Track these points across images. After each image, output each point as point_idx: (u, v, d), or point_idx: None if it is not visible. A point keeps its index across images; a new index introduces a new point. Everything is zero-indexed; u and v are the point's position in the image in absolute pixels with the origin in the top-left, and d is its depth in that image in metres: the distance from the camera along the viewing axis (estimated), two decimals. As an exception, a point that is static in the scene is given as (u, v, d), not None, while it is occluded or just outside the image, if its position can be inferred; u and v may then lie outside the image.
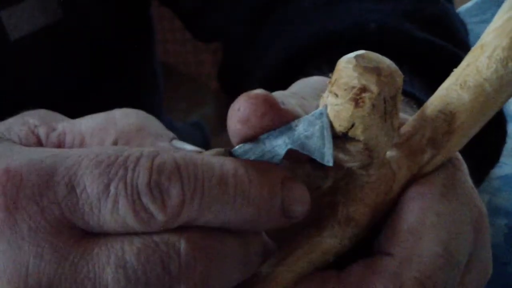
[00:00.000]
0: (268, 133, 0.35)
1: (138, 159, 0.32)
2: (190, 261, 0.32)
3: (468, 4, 0.91)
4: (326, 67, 0.36)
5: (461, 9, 0.91)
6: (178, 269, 0.32)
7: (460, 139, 0.38)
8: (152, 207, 0.32)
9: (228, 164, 0.34)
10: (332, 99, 0.35)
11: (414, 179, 0.38)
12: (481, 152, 0.59)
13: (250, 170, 0.34)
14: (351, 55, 0.34)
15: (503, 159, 0.73)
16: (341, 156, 0.36)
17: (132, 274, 0.31)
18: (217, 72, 0.77)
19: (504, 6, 0.36)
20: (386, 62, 0.34)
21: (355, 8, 0.60)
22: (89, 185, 0.32)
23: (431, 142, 0.37)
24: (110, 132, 0.36)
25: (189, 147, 0.36)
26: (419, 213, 0.36)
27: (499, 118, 0.60)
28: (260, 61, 0.64)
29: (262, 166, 0.34)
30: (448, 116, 0.37)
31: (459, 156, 0.39)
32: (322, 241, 0.37)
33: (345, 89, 0.34)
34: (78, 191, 0.32)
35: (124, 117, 0.36)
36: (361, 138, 0.35)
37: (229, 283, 0.33)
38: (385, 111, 0.34)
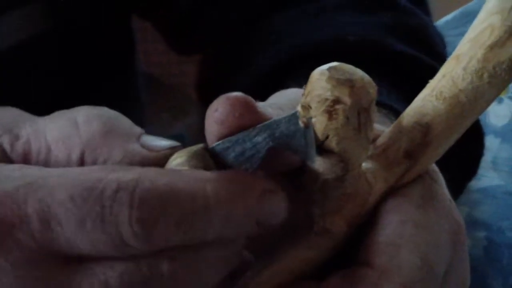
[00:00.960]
0: (247, 130, 0.35)
1: (115, 193, 0.31)
2: (173, 279, 0.32)
3: (448, 17, 0.92)
4: (304, 80, 0.36)
5: (440, 22, 0.92)
6: None
7: (437, 150, 0.38)
8: (134, 243, 0.31)
9: (209, 186, 0.33)
10: (305, 111, 0.35)
11: (391, 190, 0.38)
12: (459, 165, 0.60)
13: (231, 188, 0.33)
14: (324, 67, 0.34)
15: (482, 171, 0.73)
16: (316, 167, 0.36)
17: None
18: (196, 83, 0.77)
19: (479, 17, 0.36)
20: (359, 73, 0.34)
21: (335, 20, 0.60)
22: (64, 220, 0.31)
23: (408, 154, 0.37)
24: (75, 142, 0.35)
25: (161, 142, 0.36)
26: (397, 225, 0.36)
27: (477, 130, 0.60)
28: (241, 73, 0.64)
29: (242, 179, 0.34)
30: (424, 128, 0.37)
31: (436, 168, 0.39)
32: (299, 254, 0.36)
33: (319, 101, 0.34)
34: (52, 225, 0.31)
35: (87, 123, 0.35)
36: (336, 150, 0.35)
37: (209, 285, 0.34)
38: (359, 122, 0.34)
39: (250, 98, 0.35)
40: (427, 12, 0.65)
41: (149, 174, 0.32)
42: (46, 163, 0.35)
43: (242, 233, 0.34)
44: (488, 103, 0.37)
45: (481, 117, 0.61)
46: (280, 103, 0.39)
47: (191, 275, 0.32)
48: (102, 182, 0.31)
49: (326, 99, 0.34)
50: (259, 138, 0.35)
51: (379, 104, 0.49)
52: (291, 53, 0.58)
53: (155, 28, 0.74)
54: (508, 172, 0.74)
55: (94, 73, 0.69)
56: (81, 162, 0.35)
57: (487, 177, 0.73)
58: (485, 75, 0.36)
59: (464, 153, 0.59)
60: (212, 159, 0.35)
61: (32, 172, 0.33)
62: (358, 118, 0.34)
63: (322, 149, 0.35)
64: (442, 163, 0.39)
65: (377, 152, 0.38)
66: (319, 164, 0.36)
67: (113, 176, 0.31)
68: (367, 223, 0.37)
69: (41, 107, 0.41)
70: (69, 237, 0.31)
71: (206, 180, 0.33)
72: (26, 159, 0.35)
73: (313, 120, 0.34)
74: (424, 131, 0.37)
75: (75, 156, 0.35)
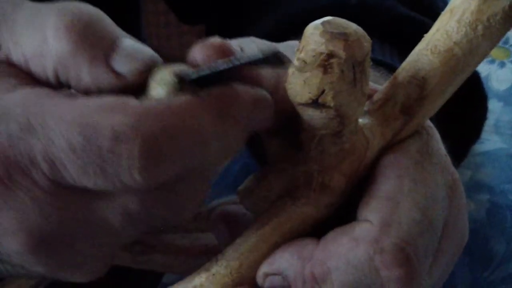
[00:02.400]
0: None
1: (114, 144, 0.32)
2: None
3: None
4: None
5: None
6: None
7: (433, 104, 0.38)
8: (137, 186, 0.33)
9: (204, 119, 0.33)
10: (301, 66, 0.35)
11: (389, 146, 0.38)
12: (464, 128, 0.60)
13: (223, 113, 0.34)
14: (318, 21, 0.34)
15: (485, 135, 0.73)
16: (312, 123, 0.36)
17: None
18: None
19: (472, -30, 0.36)
20: (353, 27, 0.34)
21: None
22: (68, 165, 0.32)
23: (404, 108, 0.37)
24: (47, 59, 0.34)
25: (130, 65, 0.34)
26: (396, 180, 0.36)
27: (480, 94, 0.60)
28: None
29: (230, 98, 0.34)
30: (420, 82, 0.37)
31: (431, 124, 0.39)
32: (298, 210, 0.37)
33: (313, 56, 0.34)
34: (58, 166, 0.32)
35: (56, 39, 0.33)
36: (332, 104, 0.35)
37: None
38: (355, 76, 0.34)
39: (226, 45, 0.35)
40: None
41: (146, 120, 0.32)
42: (27, 76, 0.35)
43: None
44: (483, 56, 0.37)
45: (483, 81, 0.62)
46: (278, 45, 0.39)
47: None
48: (100, 131, 0.32)
49: (321, 53, 0.34)
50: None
51: (380, 63, 0.49)
52: (292, 18, 0.58)
53: None
54: (510, 135, 0.74)
55: None
56: (57, 79, 0.34)
57: (490, 140, 0.73)
58: (479, 27, 0.36)
59: (468, 117, 0.59)
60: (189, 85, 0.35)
61: (32, 110, 0.33)
62: (353, 72, 0.34)
63: (318, 104, 0.35)
64: (446, 127, 0.39)
65: (374, 108, 0.38)
66: (315, 119, 0.36)
67: (111, 122, 0.32)
68: (365, 179, 0.38)
69: None
70: (75, 178, 0.32)
71: (199, 110, 0.33)
72: (11, 66, 0.35)
73: (308, 75, 0.35)
74: (420, 85, 0.37)
75: (50, 72, 0.34)
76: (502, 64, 0.79)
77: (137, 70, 0.34)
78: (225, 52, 0.34)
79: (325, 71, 0.34)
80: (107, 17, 0.35)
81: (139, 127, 0.32)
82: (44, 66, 0.34)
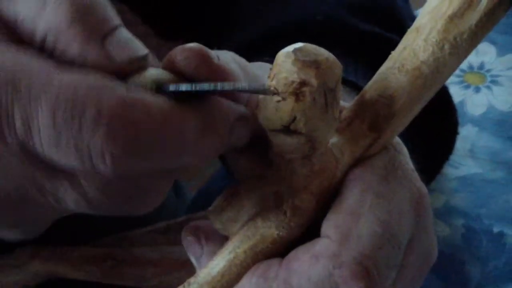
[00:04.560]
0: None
1: (94, 124, 0.31)
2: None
3: None
4: (272, 60, 0.36)
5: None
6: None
7: (401, 121, 0.38)
8: (105, 171, 0.32)
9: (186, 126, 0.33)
10: (272, 93, 0.35)
11: (357, 163, 0.38)
12: (434, 143, 0.60)
13: (205, 124, 0.34)
14: (289, 48, 0.34)
15: (460, 160, 0.73)
16: (284, 148, 0.36)
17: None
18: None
19: (438, -13, 0.36)
20: (324, 54, 0.34)
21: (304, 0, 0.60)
22: (43, 131, 0.31)
23: (372, 126, 0.37)
24: (39, 24, 0.33)
25: (124, 54, 0.33)
26: (358, 194, 0.36)
27: (448, 108, 0.61)
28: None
29: (215, 111, 0.34)
30: (387, 100, 0.37)
31: (399, 140, 0.39)
32: (270, 232, 0.37)
33: (285, 84, 0.34)
34: (33, 131, 0.32)
35: (56, 8, 0.33)
36: (303, 131, 0.35)
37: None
38: (326, 102, 0.35)
39: (205, 50, 0.34)
40: None
41: (132, 111, 0.32)
42: (14, 35, 0.34)
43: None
44: (450, 73, 0.37)
45: (458, 107, 0.62)
46: (244, 63, 0.39)
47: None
48: (86, 109, 0.31)
49: (293, 82, 0.34)
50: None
51: (345, 81, 0.49)
52: (260, 34, 0.58)
53: (133, 12, 0.74)
54: (486, 160, 0.74)
55: None
56: (41, 43, 0.33)
57: (465, 165, 0.73)
58: (446, 46, 0.36)
59: (439, 130, 0.59)
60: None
61: (19, 69, 0.32)
62: (325, 98, 0.34)
63: (290, 130, 0.35)
64: (417, 142, 0.39)
65: (342, 126, 0.38)
66: (287, 145, 0.36)
67: (97, 103, 0.31)
68: (334, 195, 0.38)
69: None
70: (45, 148, 0.32)
71: (184, 116, 0.33)
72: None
73: (280, 102, 0.34)
74: (388, 103, 0.37)
75: (38, 36, 0.33)
76: (477, 89, 0.80)
77: (128, 59, 0.33)
78: (203, 56, 0.34)
79: (297, 99, 0.34)
80: (111, 5, 0.34)
81: (124, 115, 0.31)
82: (34, 29, 0.33)
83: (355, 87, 0.49)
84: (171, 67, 0.34)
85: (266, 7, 0.61)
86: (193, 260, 0.39)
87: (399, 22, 0.59)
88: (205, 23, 0.67)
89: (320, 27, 0.56)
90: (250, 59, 0.54)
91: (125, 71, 0.33)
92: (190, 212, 0.52)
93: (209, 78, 0.34)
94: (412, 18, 0.63)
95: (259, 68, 0.40)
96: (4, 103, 0.31)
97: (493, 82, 0.80)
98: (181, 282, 0.37)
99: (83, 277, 0.37)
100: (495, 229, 0.69)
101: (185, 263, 0.41)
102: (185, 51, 0.34)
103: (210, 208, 0.39)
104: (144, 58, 0.34)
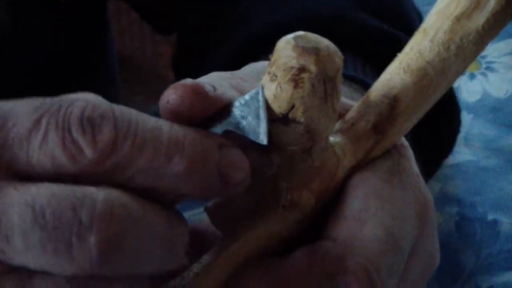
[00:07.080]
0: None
1: (73, 100, 0.32)
2: (105, 216, 0.31)
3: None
4: None
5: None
6: (89, 220, 0.30)
7: (405, 124, 0.38)
8: (81, 141, 0.31)
9: (163, 120, 0.33)
10: (271, 80, 0.34)
11: (360, 165, 0.38)
12: (436, 142, 0.60)
13: (186, 127, 0.33)
14: (290, 36, 0.34)
15: (455, 147, 0.73)
16: (282, 138, 0.35)
17: (39, 215, 0.30)
18: (172, 62, 0.77)
19: (446, -11, 0.36)
20: (324, 42, 0.34)
21: None
22: (20, 120, 0.31)
23: (376, 127, 0.37)
24: None
25: None
26: (362, 199, 0.36)
27: (453, 107, 0.60)
28: (216, 51, 0.63)
29: (198, 128, 0.34)
30: (392, 101, 0.37)
31: (405, 143, 0.39)
32: (266, 228, 0.36)
33: (284, 70, 0.34)
34: (9, 125, 0.31)
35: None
36: (302, 119, 0.35)
37: (148, 259, 0.32)
38: (325, 92, 0.34)
39: (199, 85, 0.34)
40: None
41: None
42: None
43: (201, 183, 0.33)
44: (456, 76, 0.37)
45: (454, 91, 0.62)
46: (243, 73, 0.39)
47: (126, 225, 0.31)
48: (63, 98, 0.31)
49: (292, 68, 0.34)
50: (217, 126, 0.35)
51: (353, 79, 0.49)
52: (265, 30, 0.58)
53: (131, 7, 0.73)
54: (480, 147, 0.74)
55: (68, 55, 0.68)
56: None
57: (460, 153, 0.73)
58: (452, 47, 0.36)
59: (442, 131, 0.59)
60: None
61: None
62: (324, 87, 0.34)
63: (288, 119, 0.35)
64: (419, 141, 0.39)
65: (346, 126, 0.38)
66: (285, 135, 0.35)
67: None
68: (335, 197, 0.37)
69: (12, 91, 0.40)
70: (23, 137, 0.31)
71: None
72: None
73: (279, 89, 0.34)
74: (392, 104, 0.37)
75: None
76: (472, 76, 0.80)
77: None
78: (198, 92, 0.34)
79: (295, 86, 0.34)
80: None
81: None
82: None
83: (363, 84, 0.49)
84: (168, 111, 0.34)
85: (269, 2, 0.61)
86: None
87: (404, 17, 0.59)
88: (204, 19, 0.66)
89: (327, 23, 0.55)
90: (251, 57, 0.53)
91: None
92: (187, 209, 0.51)
93: (207, 113, 0.34)
94: (418, 13, 0.63)
95: (253, 70, 0.40)
96: None
97: (488, 68, 0.80)
98: None
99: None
100: (489, 217, 0.69)
101: None
102: (178, 89, 0.34)
103: (208, 206, 0.38)
104: None
